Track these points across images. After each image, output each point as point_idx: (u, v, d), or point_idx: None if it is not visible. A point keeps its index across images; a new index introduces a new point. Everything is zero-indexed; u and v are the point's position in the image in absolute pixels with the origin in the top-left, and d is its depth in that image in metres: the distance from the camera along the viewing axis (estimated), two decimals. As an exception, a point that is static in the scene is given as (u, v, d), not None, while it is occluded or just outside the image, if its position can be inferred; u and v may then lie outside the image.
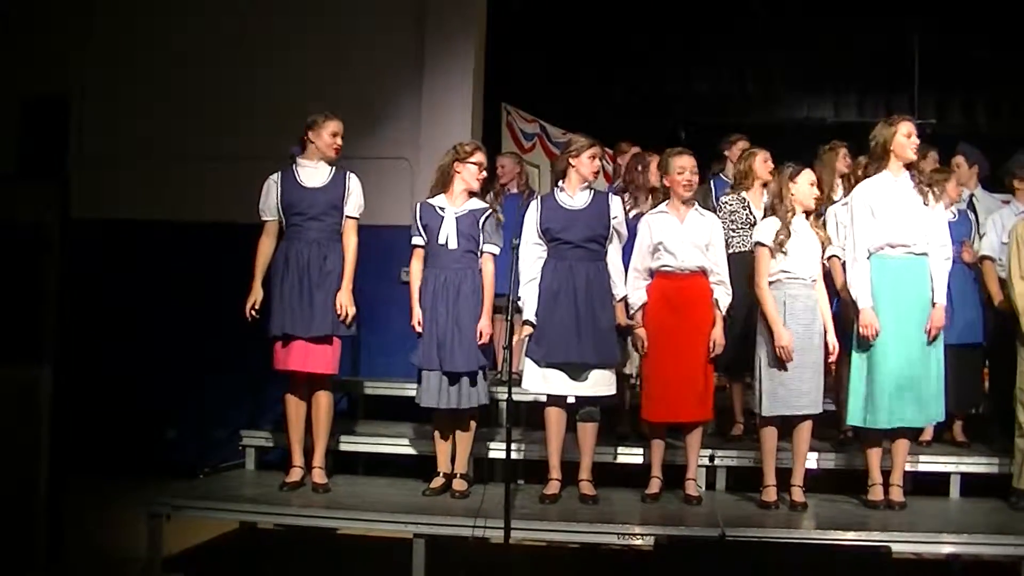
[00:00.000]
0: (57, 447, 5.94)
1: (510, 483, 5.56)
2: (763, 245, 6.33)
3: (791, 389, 6.17)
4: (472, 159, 6.45)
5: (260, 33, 9.50)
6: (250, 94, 9.29)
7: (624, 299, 6.36)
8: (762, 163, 7.28)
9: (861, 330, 6.14)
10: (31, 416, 5.82)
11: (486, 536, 5.86)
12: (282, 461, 6.99)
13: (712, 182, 8.21)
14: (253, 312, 6.49)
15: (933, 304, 6.11)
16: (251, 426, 7.62)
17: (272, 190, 6.59)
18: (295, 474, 6.63)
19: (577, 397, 6.33)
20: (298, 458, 6.67)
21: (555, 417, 6.37)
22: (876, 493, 6.29)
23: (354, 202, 6.59)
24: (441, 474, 6.57)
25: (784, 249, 6.24)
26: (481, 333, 6.31)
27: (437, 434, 6.57)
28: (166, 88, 9.44)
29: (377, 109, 9.01)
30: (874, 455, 6.32)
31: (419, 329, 6.36)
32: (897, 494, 6.27)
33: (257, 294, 6.51)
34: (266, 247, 6.60)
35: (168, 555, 6.39)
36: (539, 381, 6.28)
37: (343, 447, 7.32)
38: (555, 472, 6.42)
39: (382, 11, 9.50)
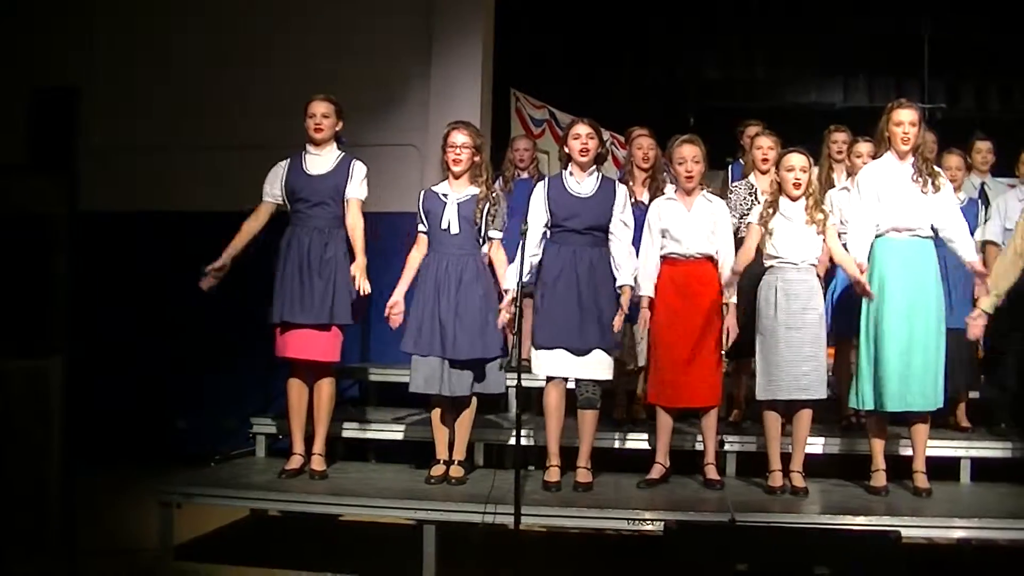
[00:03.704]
0: (69, 437, 5.96)
1: (520, 469, 5.57)
2: (752, 223, 6.37)
3: (785, 373, 6.16)
4: (447, 141, 6.45)
5: (268, 21, 9.49)
6: (259, 82, 9.29)
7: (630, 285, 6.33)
8: (756, 149, 7.24)
9: (856, 289, 6.11)
10: (43, 407, 5.84)
11: (497, 522, 5.87)
12: (293, 449, 7.00)
13: (730, 168, 8.19)
14: (212, 277, 6.53)
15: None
16: (261, 414, 7.64)
17: (278, 175, 6.62)
18: (295, 461, 6.65)
19: (577, 380, 6.33)
20: (298, 445, 6.69)
21: (554, 401, 6.35)
22: (879, 479, 6.27)
23: (355, 186, 6.57)
24: (441, 461, 6.55)
25: (770, 229, 6.23)
26: (501, 316, 6.20)
27: (435, 420, 6.54)
28: (175, 79, 9.44)
29: (385, 96, 9.00)
30: (879, 441, 6.30)
31: (394, 313, 6.36)
32: (922, 480, 6.21)
33: (222, 261, 6.53)
34: (250, 226, 6.63)
35: (180, 543, 6.43)
36: (542, 364, 6.29)
37: (353, 434, 7.36)
38: (555, 458, 6.40)
39: (390, -3, 9.49)
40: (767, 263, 6.32)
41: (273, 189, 6.64)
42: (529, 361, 6.44)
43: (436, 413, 6.53)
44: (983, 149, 7.89)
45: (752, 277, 6.55)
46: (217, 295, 8.23)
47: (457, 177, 6.45)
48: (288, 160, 6.65)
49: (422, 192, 6.57)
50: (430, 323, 6.33)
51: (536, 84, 11.75)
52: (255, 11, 9.49)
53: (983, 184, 7.71)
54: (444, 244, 6.40)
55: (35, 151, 6.10)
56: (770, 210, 6.28)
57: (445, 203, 6.41)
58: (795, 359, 6.15)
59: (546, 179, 6.56)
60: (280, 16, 9.46)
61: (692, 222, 6.34)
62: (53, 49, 9.34)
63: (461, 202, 6.41)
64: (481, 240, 6.46)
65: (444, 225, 6.39)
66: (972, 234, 7.11)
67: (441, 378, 6.32)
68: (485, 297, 6.38)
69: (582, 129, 6.30)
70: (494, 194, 6.47)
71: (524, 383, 5.61)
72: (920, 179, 6.13)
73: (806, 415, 6.28)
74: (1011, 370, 7.00)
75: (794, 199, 6.25)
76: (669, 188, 6.73)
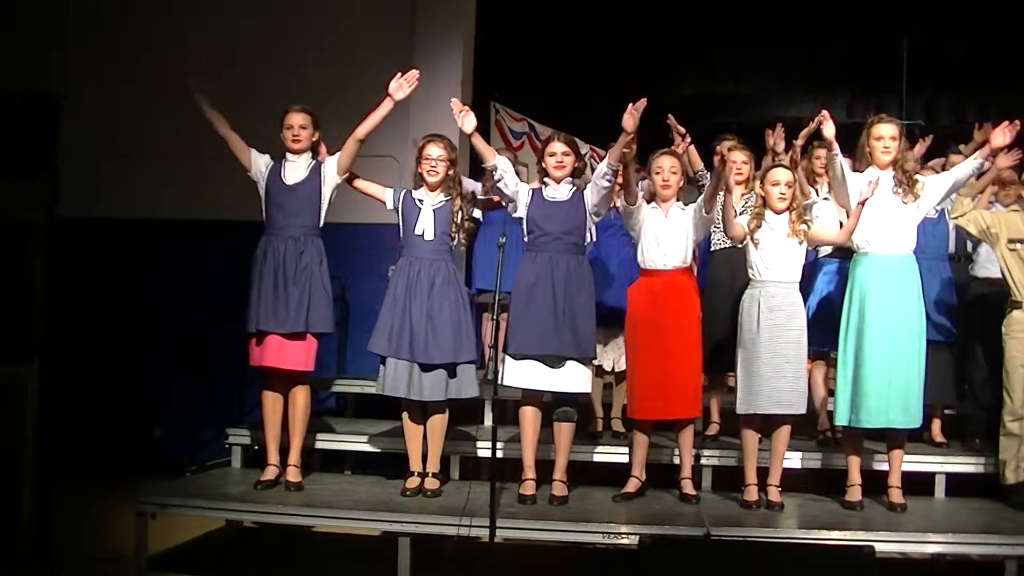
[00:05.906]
0: (44, 445, 5.93)
1: (496, 482, 5.57)
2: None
3: (766, 387, 6.16)
4: (423, 154, 6.51)
5: (249, 32, 9.49)
6: (239, 92, 9.24)
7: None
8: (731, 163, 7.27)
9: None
10: (18, 415, 5.81)
11: (472, 535, 5.87)
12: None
13: (708, 178, 8.21)
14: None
15: None
16: (237, 424, 7.62)
17: (265, 163, 6.61)
18: (270, 472, 6.63)
19: (553, 393, 6.34)
20: (273, 456, 6.66)
21: (529, 414, 6.37)
22: (855, 494, 6.29)
23: (331, 161, 6.59)
24: (416, 473, 6.54)
25: (756, 240, 6.26)
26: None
27: (408, 431, 6.53)
28: (155, 86, 9.40)
29: (365, 107, 8.98)
30: (855, 456, 6.34)
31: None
32: (897, 496, 6.26)
33: (197, 90, 6.73)
34: (229, 132, 6.67)
35: (154, 553, 6.39)
36: (515, 374, 6.26)
37: (329, 446, 7.34)
38: (530, 472, 6.41)
39: (371, 10, 9.49)
40: (753, 279, 6.33)
41: (255, 160, 6.62)
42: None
43: (409, 425, 6.51)
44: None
45: (733, 293, 6.59)
46: (195, 306, 8.21)
47: (432, 189, 6.48)
48: (272, 166, 6.62)
49: (402, 192, 6.56)
50: (399, 326, 6.33)
51: (516, 97, 11.75)
52: (239, 23, 9.48)
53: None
54: (417, 248, 6.42)
55: (16, 156, 6.09)
56: (756, 222, 6.31)
57: (420, 208, 6.43)
58: (776, 374, 6.15)
59: (531, 188, 6.59)
60: (259, 26, 9.45)
61: (669, 230, 6.36)
62: (35, 55, 9.31)
63: (436, 208, 6.44)
64: (453, 248, 6.51)
65: (419, 231, 6.41)
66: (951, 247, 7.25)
67: (409, 382, 6.32)
68: (457, 301, 6.40)
69: (558, 147, 6.39)
70: (468, 201, 6.56)
71: (500, 395, 5.60)
72: (900, 190, 6.20)
73: (785, 431, 6.30)
74: (985, 385, 7.02)
75: (779, 212, 6.29)
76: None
